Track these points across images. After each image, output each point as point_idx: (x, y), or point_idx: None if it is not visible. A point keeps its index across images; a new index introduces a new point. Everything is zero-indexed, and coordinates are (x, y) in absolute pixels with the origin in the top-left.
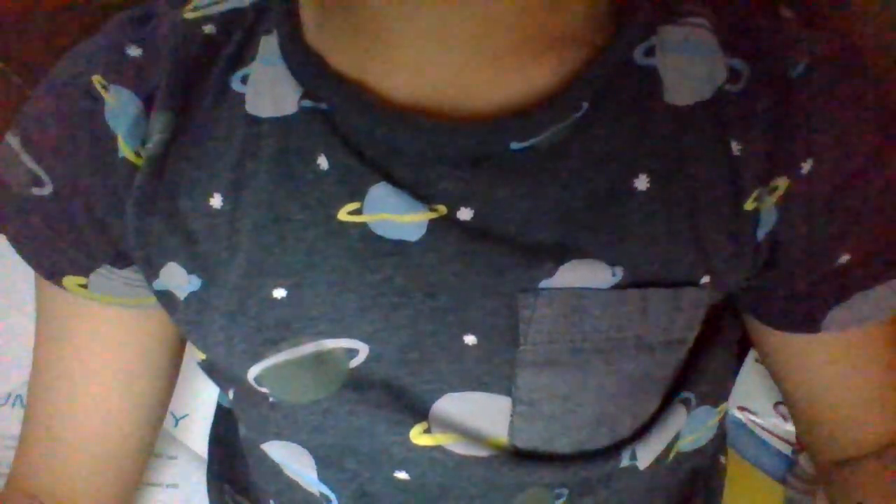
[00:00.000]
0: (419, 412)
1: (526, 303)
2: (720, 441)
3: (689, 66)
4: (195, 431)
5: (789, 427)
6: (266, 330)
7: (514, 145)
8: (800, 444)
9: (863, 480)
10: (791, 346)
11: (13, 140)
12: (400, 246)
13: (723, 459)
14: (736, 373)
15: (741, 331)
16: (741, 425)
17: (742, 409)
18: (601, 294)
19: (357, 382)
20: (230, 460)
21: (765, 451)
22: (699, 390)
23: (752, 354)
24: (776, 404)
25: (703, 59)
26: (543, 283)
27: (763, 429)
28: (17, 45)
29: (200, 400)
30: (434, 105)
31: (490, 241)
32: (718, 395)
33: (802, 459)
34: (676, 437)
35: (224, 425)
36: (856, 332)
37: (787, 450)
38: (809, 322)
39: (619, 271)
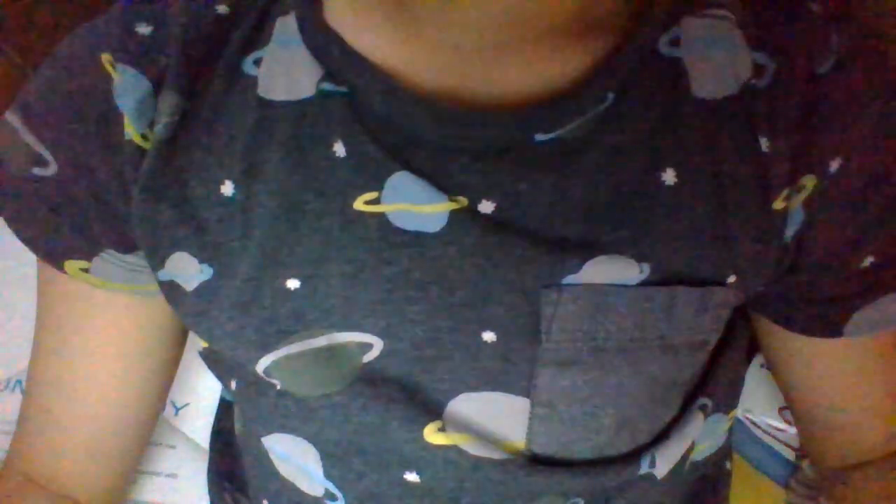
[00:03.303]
0: (434, 411)
1: (549, 298)
2: (727, 447)
3: (714, 60)
4: (195, 421)
5: (793, 432)
6: (279, 321)
7: (539, 137)
8: (803, 450)
9: (866, 487)
10: (801, 351)
11: (13, 118)
12: (418, 238)
13: (728, 465)
14: (743, 378)
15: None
16: (745, 429)
17: (747, 412)
18: (627, 291)
19: (370, 377)
20: (231, 456)
21: (768, 455)
22: (715, 396)
23: (757, 359)
24: (781, 409)
25: (727, 53)
26: (568, 279)
27: (767, 433)
28: (19, 26)
29: (201, 390)
30: (457, 93)
31: (512, 235)
32: (730, 401)
33: (806, 465)
34: (692, 446)
35: (227, 419)
36: (868, 338)
37: (790, 455)
38: (832, 327)
39: (647, 268)
